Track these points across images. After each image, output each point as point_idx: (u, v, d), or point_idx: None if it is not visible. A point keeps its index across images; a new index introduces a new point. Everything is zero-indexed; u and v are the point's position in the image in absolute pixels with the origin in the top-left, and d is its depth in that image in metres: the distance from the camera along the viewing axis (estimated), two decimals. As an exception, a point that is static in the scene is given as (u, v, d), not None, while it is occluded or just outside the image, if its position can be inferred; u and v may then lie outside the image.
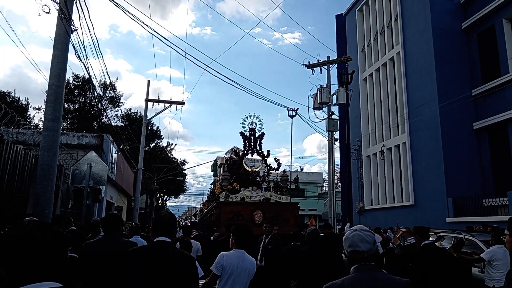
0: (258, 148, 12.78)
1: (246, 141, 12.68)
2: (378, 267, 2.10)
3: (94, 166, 8.45)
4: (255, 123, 12.73)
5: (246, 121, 12.71)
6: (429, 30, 16.34)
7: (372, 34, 21.45)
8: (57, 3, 6.55)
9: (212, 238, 8.93)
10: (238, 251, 4.07)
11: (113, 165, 17.12)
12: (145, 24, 8.92)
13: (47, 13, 6.01)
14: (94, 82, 22.89)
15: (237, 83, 19.48)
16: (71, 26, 7.29)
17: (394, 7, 19.21)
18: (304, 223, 17.10)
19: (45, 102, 7.91)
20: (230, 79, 12.78)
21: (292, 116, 17.05)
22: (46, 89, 7.12)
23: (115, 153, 18.16)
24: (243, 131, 12.75)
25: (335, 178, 21.91)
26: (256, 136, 12.74)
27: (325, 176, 59.62)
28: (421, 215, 16.25)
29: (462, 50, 16.34)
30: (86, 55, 8.15)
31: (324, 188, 55.93)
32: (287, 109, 17.03)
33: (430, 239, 8.48)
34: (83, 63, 8.74)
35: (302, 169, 51.77)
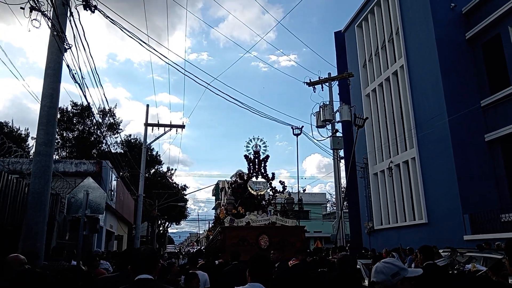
0: (262, 171, 12.62)
1: (251, 164, 12.51)
2: None
3: (91, 193, 7.85)
4: (259, 146, 12.71)
5: (250, 144, 12.66)
6: (433, 41, 16.02)
7: (373, 49, 21.21)
8: (48, 18, 6.10)
9: (216, 262, 8.72)
10: (254, 285, 3.50)
11: (112, 193, 16.47)
12: (145, 43, 8.50)
13: (37, 28, 5.56)
14: (93, 109, 22.43)
15: (240, 101, 19.25)
16: (65, 44, 6.83)
17: (395, 20, 19.00)
18: (318, 248, 16.34)
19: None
20: (232, 97, 12.32)
21: (297, 135, 16.62)
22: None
23: (115, 180, 17.53)
24: (247, 154, 12.55)
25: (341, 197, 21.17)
26: (261, 159, 12.57)
27: (328, 196, 58.82)
28: (435, 234, 15.51)
29: (467, 60, 15.98)
30: (82, 77, 7.68)
31: (327, 208, 55.15)
32: (292, 127, 16.59)
33: (444, 254, 7.84)
34: (79, 84, 8.27)
35: (304, 190, 51.01)
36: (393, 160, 18.92)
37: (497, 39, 14.99)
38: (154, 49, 9.05)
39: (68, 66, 7.62)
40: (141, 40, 8.61)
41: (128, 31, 7.79)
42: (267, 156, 12.81)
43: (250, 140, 12.78)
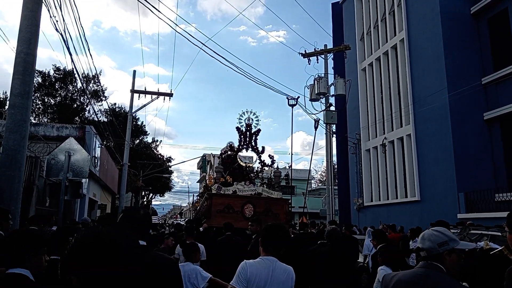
0: (253, 143, 12.55)
1: (242, 136, 12.43)
2: (439, 268, 2.06)
3: (73, 156, 7.12)
4: (252, 119, 12.53)
5: (243, 116, 12.49)
6: (437, 14, 15.36)
7: (372, 21, 20.44)
8: None
9: (201, 229, 8.77)
10: (267, 259, 2.95)
11: (96, 160, 15.69)
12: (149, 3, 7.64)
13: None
14: (77, 74, 21.26)
15: (234, 65, 18.50)
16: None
17: (397, -9, 18.23)
18: (304, 223, 16.06)
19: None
20: (228, 60, 11.53)
21: (292, 105, 16.04)
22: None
23: (99, 147, 16.71)
24: (239, 126, 12.45)
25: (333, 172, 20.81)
26: (252, 132, 12.50)
27: (313, 172, 58.89)
28: (428, 211, 15.29)
29: (472, 36, 15.42)
30: (64, 21, 6.82)
31: (313, 185, 55.30)
32: (287, 98, 15.97)
33: (453, 231, 7.55)
34: (60, 33, 7.40)
35: (290, 166, 50.74)
36: (387, 136, 18.52)
37: (503, 14, 14.41)
38: (158, 11, 8.16)
39: (48, 10, 6.75)
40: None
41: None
42: (259, 130, 12.61)
43: (243, 113, 12.55)
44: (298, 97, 16.07)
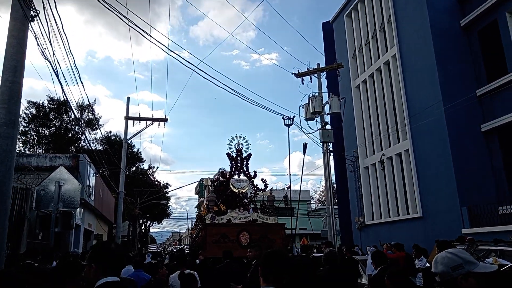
0: (244, 169, 12.54)
1: (233, 162, 12.44)
2: None
3: (64, 186, 6.86)
4: (242, 144, 12.54)
5: (232, 142, 12.49)
6: (428, 28, 15.47)
7: (363, 39, 20.60)
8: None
9: (197, 261, 8.73)
10: None
11: (91, 189, 15.37)
12: (142, 30, 7.55)
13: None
14: (71, 103, 21.19)
15: (229, 87, 18.49)
16: (31, 9, 5.85)
17: (386, 8, 18.41)
18: (305, 245, 15.70)
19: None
20: (221, 82, 11.41)
21: (288, 125, 15.96)
22: None
23: (93, 176, 16.41)
24: (230, 152, 12.43)
25: (332, 192, 20.52)
26: (243, 157, 12.51)
27: (312, 193, 58.49)
28: (431, 228, 15.00)
29: (463, 48, 15.49)
30: (54, 51, 6.69)
31: (312, 205, 54.84)
32: (283, 118, 15.89)
33: (459, 248, 7.26)
34: (49, 61, 7.26)
35: (289, 187, 50.30)
36: (385, 152, 18.35)
37: (493, 25, 14.53)
38: (151, 36, 8.13)
39: (36, 38, 6.62)
40: (139, 28, 7.64)
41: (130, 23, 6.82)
42: (250, 154, 12.69)
43: (233, 139, 12.66)
44: (294, 116, 15.99)
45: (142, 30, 8.50)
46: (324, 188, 59.46)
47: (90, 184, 15.27)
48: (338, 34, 23.20)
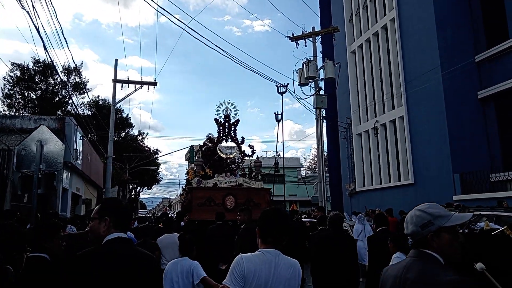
0: (232, 134, 12.60)
1: (221, 128, 12.49)
2: (427, 255, 1.73)
3: (46, 146, 6.47)
4: (230, 110, 12.57)
5: (220, 108, 12.51)
6: (428, -10, 14.88)
7: (360, 1, 19.89)
8: None
9: (182, 223, 8.91)
10: (267, 252, 2.41)
11: (78, 152, 14.94)
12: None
13: None
14: (57, 66, 20.38)
15: (220, 48, 18.01)
16: None
17: (386, -31, 17.66)
18: (294, 210, 15.76)
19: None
20: (212, 43, 10.83)
21: (282, 93, 15.72)
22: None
23: (81, 139, 15.94)
24: (218, 118, 12.51)
25: (324, 159, 20.42)
26: (231, 122, 12.56)
27: (302, 161, 58.83)
28: (422, 194, 14.99)
29: (464, 12, 14.99)
30: (34, 7, 6.12)
31: (302, 172, 55.23)
32: (276, 85, 15.62)
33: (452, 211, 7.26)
34: (29, 14, 6.71)
35: (279, 155, 50.47)
36: (379, 119, 18.12)
37: (496, -12, 13.99)
38: None
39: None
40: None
41: None
42: (238, 120, 12.62)
43: (221, 104, 12.56)
44: (288, 84, 15.84)
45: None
46: (314, 155, 59.76)
47: (77, 148, 14.83)
48: (334, -4, 22.39)
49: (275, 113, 16.59)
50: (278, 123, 15.90)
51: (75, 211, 17.01)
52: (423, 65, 15.12)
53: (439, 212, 1.79)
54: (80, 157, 15.63)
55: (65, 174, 14.31)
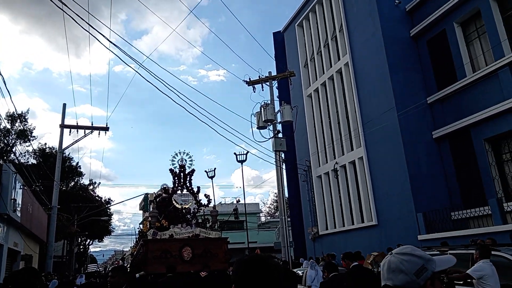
0: (188, 184, 12.63)
1: (176, 178, 12.49)
2: None
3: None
4: (185, 160, 12.67)
5: (176, 158, 12.57)
6: (379, 37, 15.51)
7: (314, 47, 20.47)
8: None
9: (137, 275, 8.98)
10: None
11: (16, 202, 13.43)
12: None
13: None
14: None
15: (175, 91, 17.72)
16: None
17: (338, 18, 18.40)
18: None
19: None
20: (168, 84, 10.35)
21: (241, 161, 15.87)
22: None
23: (20, 188, 14.45)
24: (173, 168, 12.52)
25: (285, 202, 19.94)
26: (186, 172, 12.58)
27: (262, 206, 58.03)
28: (386, 235, 14.75)
29: (414, 57, 15.70)
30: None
31: (261, 218, 54.21)
32: (235, 154, 16.13)
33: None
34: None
35: (238, 201, 49.62)
36: (339, 161, 18.09)
37: (442, 35, 14.81)
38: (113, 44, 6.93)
39: None
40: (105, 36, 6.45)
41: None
42: (193, 170, 12.69)
43: (176, 154, 12.63)
44: (247, 152, 16.26)
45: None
46: (273, 200, 59.12)
47: (15, 198, 13.34)
48: (289, 43, 22.99)
49: (235, 153, 16.62)
50: (242, 163, 15.75)
51: (13, 269, 15.07)
52: (378, 106, 15.43)
53: (426, 255, 1.51)
54: (19, 208, 14.08)
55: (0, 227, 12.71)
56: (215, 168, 16.28)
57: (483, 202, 12.38)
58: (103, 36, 9.43)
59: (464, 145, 13.85)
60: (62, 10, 6.70)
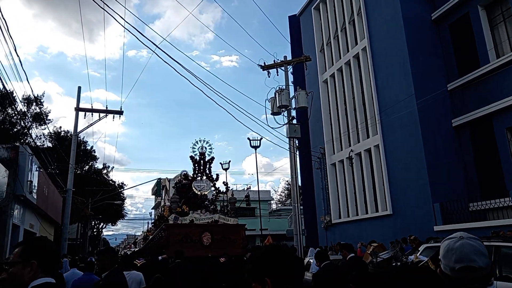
0: (207, 171, 12.87)
1: (196, 165, 12.74)
2: None
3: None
4: (205, 148, 12.92)
5: (196, 146, 12.81)
6: (399, 19, 15.01)
7: (331, 32, 20.00)
8: None
9: (160, 258, 9.32)
10: None
11: (32, 184, 13.54)
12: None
13: None
14: (15, 94, 19.14)
15: (194, 74, 17.37)
16: None
17: (356, 0, 17.87)
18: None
19: None
20: (184, 67, 10.14)
21: (255, 147, 15.89)
22: None
23: (36, 170, 14.56)
24: (193, 155, 12.76)
25: (298, 190, 19.75)
26: (206, 160, 12.84)
27: (273, 193, 58.11)
28: (401, 225, 14.49)
29: (435, 41, 15.16)
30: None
31: (272, 206, 54.33)
32: (248, 139, 16.19)
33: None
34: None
35: (249, 188, 49.79)
36: (354, 148, 17.78)
37: (465, 19, 14.25)
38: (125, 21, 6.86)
39: None
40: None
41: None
42: (212, 158, 13.12)
43: (196, 142, 13.03)
44: (261, 138, 16.33)
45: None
46: (284, 188, 59.01)
47: (32, 180, 13.44)
48: (305, 27, 22.52)
49: (248, 138, 16.82)
50: (255, 149, 15.97)
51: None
52: (397, 93, 15.02)
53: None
54: (35, 190, 14.21)
55: (16, 210, 12.83)
56: (229, 161, 16.80)
57: (503, 193, 12.02)
58: (119, 15, 9.24)
59: (484, 134, 13.43)
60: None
